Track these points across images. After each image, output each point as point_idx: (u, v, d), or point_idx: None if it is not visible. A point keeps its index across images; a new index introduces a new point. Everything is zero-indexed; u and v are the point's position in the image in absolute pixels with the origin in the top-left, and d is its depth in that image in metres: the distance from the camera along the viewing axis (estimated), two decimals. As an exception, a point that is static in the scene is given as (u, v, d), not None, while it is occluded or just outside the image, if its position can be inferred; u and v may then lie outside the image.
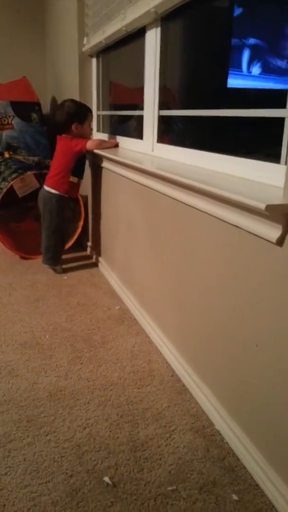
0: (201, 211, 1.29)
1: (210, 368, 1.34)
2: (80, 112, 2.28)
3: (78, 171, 2.36)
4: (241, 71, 1.38)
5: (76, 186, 2.40)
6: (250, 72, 1.35)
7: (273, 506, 1.03)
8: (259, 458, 1.09)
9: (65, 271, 2.54)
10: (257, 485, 1.09)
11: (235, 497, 1.05)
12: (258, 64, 1.32)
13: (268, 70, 1.30)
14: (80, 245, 2.91)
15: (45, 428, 1.27)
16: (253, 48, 1.34)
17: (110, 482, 1.09)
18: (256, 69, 1.33)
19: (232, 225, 1.14)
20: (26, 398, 1.40)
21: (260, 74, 1.32)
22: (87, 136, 2.33)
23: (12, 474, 1.11)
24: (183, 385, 1.48)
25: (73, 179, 2.35)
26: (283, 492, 1.01)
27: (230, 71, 1.42)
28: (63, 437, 1.24)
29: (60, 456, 1.17)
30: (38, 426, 1.28)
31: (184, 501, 1.04)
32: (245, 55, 1.35)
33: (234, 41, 1.40)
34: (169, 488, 1.07)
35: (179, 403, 1.39)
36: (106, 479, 1.10)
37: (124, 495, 1.05)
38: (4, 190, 2.57)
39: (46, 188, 2.36)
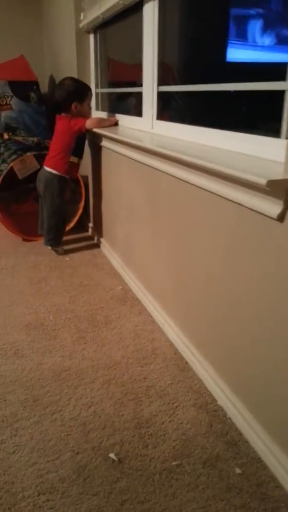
0: (202, 188, 1.28)
1: (212, 345, 1.35)
2: (80, 91, 2.24)
3: (78, 151, 2.33)
4: (247, 42, 1.34)
5: (76, 166, 2.37)
6: (257, 43, 1.31)
7: (275, 478, 1.05)
8: (261, 432, 1.11)
9: (67, 252, 2.54)
10: (260, 458, 1.11)
11: (238, 470, 1.07)
12: (268, 34, 1.29)
13: (278, 41, 1.26)
14: (81, 226, 2.91)
15: (51, 407, 1.29)
16: (261, 17, 1.30)
17: (115, 459, 1.11)
18: (263, 40, 1.30)
19: (233, 202, 1.12)
20: (31, 378, 1.42)
21: (269, 44, 1.28)
22: (86, 115, 2.29)
23: (20, 452, 1.13)
24: (186, 363, 1.49)
25: (73, 159, 2.33)
26: (284, 464, 1.03)
27: (234, 42, 1.39)
28: (69, 416, 1.25)
29: (66, 434, 1.19)
30: (44, 406, 1.30)
31: (189, 476, 1.06)
32: (252, 25, 1.31)
33: (240, 11, 1.36)
34: (174, 463, 1.09)
35: (182, 380, 1.41)
36: (112, 455, 1.12)
37: (130, 470, 1.07)
38: (4, 172, 2.55)
39: (47, 168, 2.33)
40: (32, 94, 3.25)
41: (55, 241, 2.48)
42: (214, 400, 1.32)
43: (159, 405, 1.30)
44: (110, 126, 2.22)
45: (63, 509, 0.97)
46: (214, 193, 1.21)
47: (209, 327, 1.36)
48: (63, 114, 2.27)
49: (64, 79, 2.25)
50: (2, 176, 2.55)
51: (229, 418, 1.24)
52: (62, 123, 2.26)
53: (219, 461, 1.10)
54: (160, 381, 1.41)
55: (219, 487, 1.03)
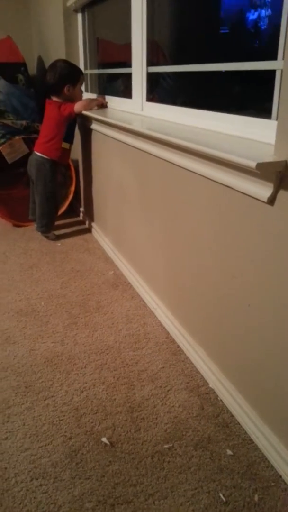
0: (192, 171, 1.26)
1: (203, 328, 1.35)
2: (73, 74, 2.19)
3: (69, 137, 2.30)
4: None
5: (68, 152, 2.34)
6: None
7: (266, 458, 1.06)
8: (252, 414, 1.12)
9: (58, 237, 2.52)
10: (251, 439, 1.12)
11: (229, 452, 1.08)
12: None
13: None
14: (72, 210, 2.88)
15: (43, 393, 1.29)
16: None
17: (108, 443, 1.11)
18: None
19: (223, 185, 1.11)
20: (23, 365, 1.42)
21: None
22: (78, 98, 2.24)
23: (12, 438, 1.13)
24: (178, 347, 1.50)
25: (65, 145, 2.29)
26: (274, 444, 1.04)
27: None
28: (61, 401, 1.26)
29: (59, 419, 1.19)
30: (36, 391, 1.30)
31: (180, 458, 1.07)
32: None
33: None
34: (166, 446, 1.10)
35: (174, 364, 1.41)
36: (104, 439, 1.12)
37: (122, 454, 1.08)
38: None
39: (38, 153, 2.29)
40: (20, 76, 3.16)
41: (48, 227, 2.46)
42: (205, 383, 1.33)
43: (151, 388, 1.30)
44: (98, 107, 2.18)
45: (56, 493, 0.98)
46: (204, 176, 1.20)
47: (200, 310, 1.36)
48: (53, 98, 2.22)
49: (56, 61, 2.19)
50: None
51: (221, 400, 1.25)
52: (51, 108, 2.22)
53: (210, 443, 1.11)
54: (152, 365, 1.41)
55: (211, 469, 1.04)
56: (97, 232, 2.50)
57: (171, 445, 1.11)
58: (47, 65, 2.72)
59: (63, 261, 2.21)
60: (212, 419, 1.19)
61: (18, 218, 2.67)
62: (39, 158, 2.29)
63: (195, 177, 1.26)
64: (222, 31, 1.41)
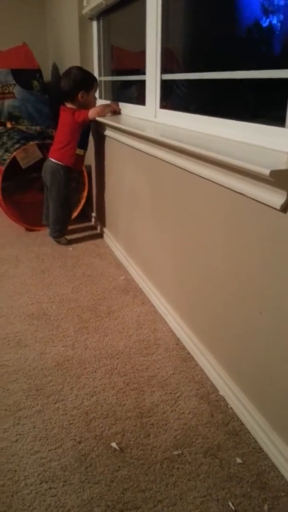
0: (204, 178, 1.27)
1: (214, 335, 1.35)
2: (87, 80, 2.22)
3: (83, 143, 2.33)
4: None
5: (82, 158, 2.37)
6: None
7: (276, 468, 1.05)
8: (262, 422, 1.11)
9: (70, 242, 2.54)
10: (261, 448, 1.11)
11: (239, 460, 1.08)
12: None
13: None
14: (84, 215, 2.90)
15: (53, 396, 1.30)
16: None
17: (117, 448, 1.11)
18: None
19: (236, 192, 1.11)
20: (34, 368, 1.43)
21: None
22: (92, 105, 2.27)
23: (23, 441, 1.14)
24: (188, 353, 1.50)
25: (79, 151, 2.32)
26: (285, 453, 1.03)
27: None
28: (71, 405, 1.26)
29: (69, 423, 1.20)
30: (46, 395, 1.30)
31: (190, 465, 1.07)
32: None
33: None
34: (175, 453, 1.10)
35: (184, 370, 1.41)
36: (114, 444, 1.12)
37: (131, 459, 1.08)
38: (7, 161, 2.54)
39: (53, 160, 2.32)
40: (35, 83, 3.22)
41: (61, 232, 2.49)
42: (215, 390, 1.32)
43: (161, 395, 1.30)
44: (112, 114, 2.20)
45: (65, 497, 0.98)
46: (217, 183, 1.20)
47: (211, 317, 1.35)
48: (67, 105, 2.25)
49: (71, 68, 2.22)
50: (5, 166, 2.54)
51: (231, 408, 1.25)
52: (65, 115, 2.25)
53: (220, 450, 1.11)
54: (162, 371, 1.41)
55: (220, 476, 1.04)
56: (109, 237, 2.51)
57: (180, 451, 1.10)
58: (61, 71, 2.75)
59: (74, 266, 2.22)
60: (222, 426, 1.18)
61: (31, 223, 2.70)
62: (53, 164, 2.31)
63: (207, 183, 1.26)
64: (237, 38, 1.42)
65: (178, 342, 1.56)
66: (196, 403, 1.27)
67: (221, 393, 1.30)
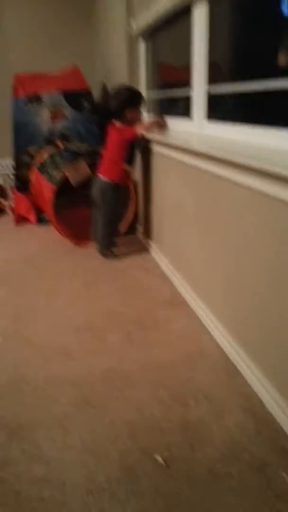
0: (255, 190, 1.25)
1: (261, 348, 1.33)
2: (134, 98, 2.31)
3: (130, 159, 2.39)
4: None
5: (129, 174, 2.43)
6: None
7: None
8: (312, 440, 1.08)
9: (117, 256, 2.59)
10: (310, 466, 1.07)
11: (287, 478, 1.05)
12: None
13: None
14: (131, 229, 2.95)
15: (100, 408, 1.33)
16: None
17: (162, 461, 1.12)
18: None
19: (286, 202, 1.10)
20: (82, 380, 1.46)
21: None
22: (139, 121, 2.33)
23: (70, 452, 1.17)
24: (234, 366, 1.48)
25: (127, 167, 2.39)
26: None
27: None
28: (117, 417, 1.28)
29: (115, 436, 1.22)
30: (93, 406, 1.33)
31: (235, 481, 1.05)
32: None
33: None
34: (220, 468, 1.09)
35: (229, 384, 1.39)
36: (158, 458, 1.13)
37: (176, 473, 1.08)
38: (59, 178, 2.64)
39: (102, 177, 2.40)
40: (85, 103, 3.34)
41: (108, 247, 2.55)
42: (262, 405, 1.29)
43: (206, 408, 1.29)
44: (159, 129, 2.24)
45: (111, 509, 1.00)
46: (265, 194, 1.19)
47: (258, 330, 1.33)
48: (115, 123, 2.33)
49: (119, 86, 2.32)
50: (57, 183, 2.64)
51: (278, 424, 1.21)
52: (113, 133, 2.32)
53: (266, 467, 1.08)
54: (208, 384, 1.40)
55: (267, 494, 1.01)
56: (155, 251, 2.54)
57: (226, 467, 1.09)
58: (109, 89, 2.84)
59: (121, 279, 2.26)
60: (269, 442, 1.16)
61: (79, 237, 2.78)
62: (102, 182, 2.39)
63: (255, 194, 1.25)
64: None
65: (223, 355, 1.55)
66: (242, 417, 1.25)
67: (268, 408, 1.27)
